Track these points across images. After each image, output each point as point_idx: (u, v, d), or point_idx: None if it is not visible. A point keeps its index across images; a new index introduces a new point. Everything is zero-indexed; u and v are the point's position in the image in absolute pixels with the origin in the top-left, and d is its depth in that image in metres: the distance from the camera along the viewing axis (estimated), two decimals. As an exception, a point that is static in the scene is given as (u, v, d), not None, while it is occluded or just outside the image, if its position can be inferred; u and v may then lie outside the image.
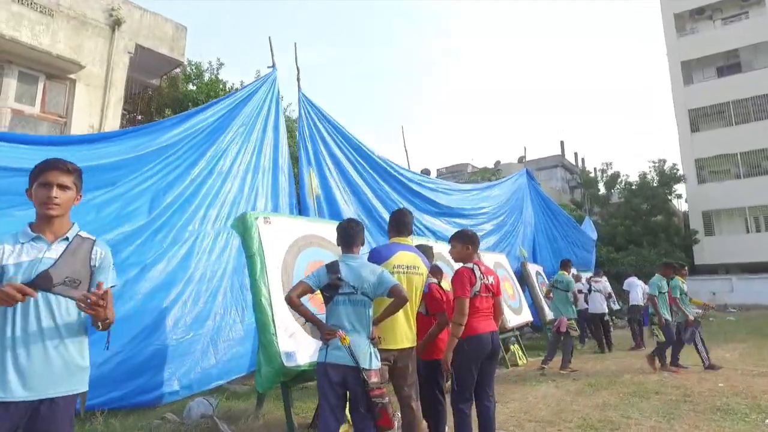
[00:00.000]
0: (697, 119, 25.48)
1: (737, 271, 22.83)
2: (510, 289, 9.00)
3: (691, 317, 7.12)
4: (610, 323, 10.51)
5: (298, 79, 7.49)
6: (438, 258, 5.51)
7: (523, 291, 9.94)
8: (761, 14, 24.59)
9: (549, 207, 13.78)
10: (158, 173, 5.43)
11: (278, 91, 7.28)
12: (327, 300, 2.95)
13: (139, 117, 12.55)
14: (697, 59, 25.76)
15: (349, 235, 3.14)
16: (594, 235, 16.91)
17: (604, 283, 10.84)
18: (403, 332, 3.27)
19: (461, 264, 3.55)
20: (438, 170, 33.76)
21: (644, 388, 5.83)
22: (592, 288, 10.12)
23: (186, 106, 10.57)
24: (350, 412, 2.89)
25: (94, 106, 10.17)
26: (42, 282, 1.87)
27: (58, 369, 1.88)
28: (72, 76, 9.92)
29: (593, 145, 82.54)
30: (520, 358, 8.16)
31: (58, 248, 1.96)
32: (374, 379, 2.75)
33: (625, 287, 10.75)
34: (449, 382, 3.41)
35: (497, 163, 30.82)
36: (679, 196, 25.87)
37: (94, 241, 2.08)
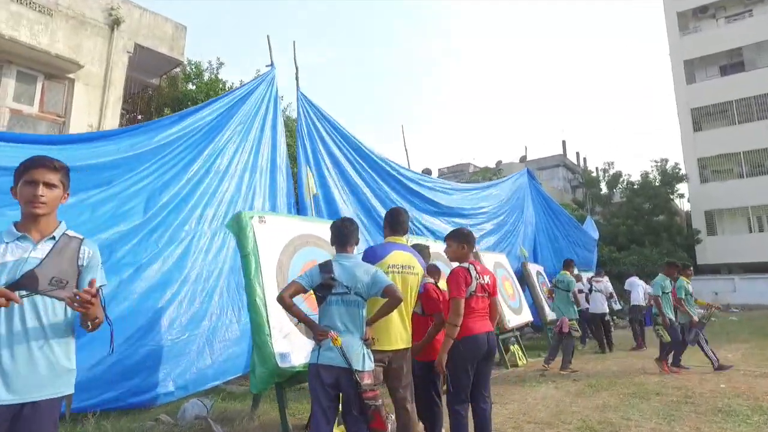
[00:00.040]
0: (700, 118, 25.37)
1: (740, 271, 22.70)
2: (510, 289, 8.94)
3: (696, 318, 7.05)
4: (611, 323, 10.45)
5: (297, 78, 7.45)
6: (437, 258, 5.46)
7: (524, 291, 9.88)
8: (765, 12, 24.46)
9: (550, 206, 13.72)
10: (154, 172, 5.40)
11: (277, 90, 7.24)
12: (320, 300, 2.90)
13: (139, 117, 12.54)
14: (700, 58, 25.65)
15: (342, 234, 3.09)
16: (596, 235, 16.84)
17: (605, 283, 10.78)
18: (398, 333, 3.22)
19: (457, 263, 3.50)
20: (440, 170, 33.76)
21: (645, 389, 5.77)
22: (593, 288, 10.06)
23: (185, 106, 10.53)
24: (343, 415, 2.84)
25: (93, 106, 10.15)
26: (27, 282, 1.82)
27: (43, 371, 1.83)
28: (71, 75, 9.90)
29: (595, 144, 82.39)
30: (520, 359, 8.10)
31: (45, 247, 1.92)
32: (367, 380, 2.70)
33: (626, 287, 10.69)
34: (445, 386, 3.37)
35: (499, 162, 30.79)
36: (682, 196, 25.81)
37: (82, 240, 2.04)
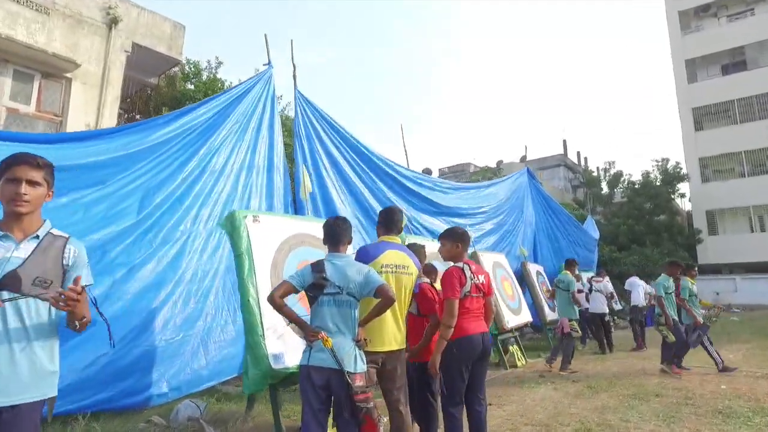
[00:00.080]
0: (701, 117, 25.28)
1: (741, 271, 22.60)
2: (509, 289, 8.88)
3: (700, 319, 6.97)
4: (611, 324, 10.38)
5: (294, 77, 7.39)
6: (435, 258, 5.41)
7: (523, 291, 9.82)
8: (767, 11, 24.34)
9: (550, 206, 13.65)
10: (149, 172, 5.34)
11: (274, 89, 7.19)
12: (311, 300, 2.85)
13: (138, 116, 12.50)
14: (702, 57, 25.55)
15: (335, 233, 3.04)
16: (596, 235, 16.76)
17: (605, 283, 10.72)
18: (392, 334, 3.16)
19: (451, 263, 3.45)
20: (440, 170, 33.66)
21: (644, 390, 5.71)
22: (593, 288, 10.01)
23: (184, 105, 10.42)
24: (334, 418, 2.79)
25: (90, 105, 10.11)
26: (10, 283, 1.78)
27: (25, 373, 1.78)
28: (68, 74, 9.85)
29: (596, 144, 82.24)
30: (519, 360, 8.05)
31: (28, 247, 1.87)
32: (359, 382, 2.64)
33: (626, 287, 10.62)
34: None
35: (499, 162, 30.68)
36: (683, 195, 25.74)
37: (67, 238, 1.99)
